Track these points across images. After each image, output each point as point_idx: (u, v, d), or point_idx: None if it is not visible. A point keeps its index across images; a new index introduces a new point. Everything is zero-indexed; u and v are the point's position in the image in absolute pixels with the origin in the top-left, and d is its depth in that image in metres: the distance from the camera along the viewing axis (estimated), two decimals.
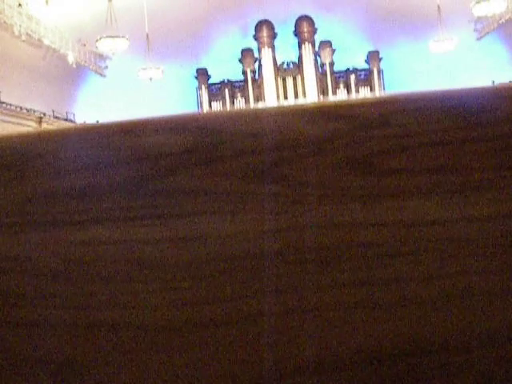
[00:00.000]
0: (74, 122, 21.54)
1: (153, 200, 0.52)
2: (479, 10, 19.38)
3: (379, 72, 29.46)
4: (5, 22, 17.39)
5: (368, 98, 0.51)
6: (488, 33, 23.37)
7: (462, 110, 0.50)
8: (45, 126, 16.90)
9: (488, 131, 0.50)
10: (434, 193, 0.52)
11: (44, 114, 19.02)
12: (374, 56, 29.27)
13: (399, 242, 0.53)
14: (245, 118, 0.52)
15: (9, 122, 15.49)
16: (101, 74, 24.07)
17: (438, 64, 25.05)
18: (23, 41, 18.55)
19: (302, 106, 0.51)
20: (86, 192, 0.53)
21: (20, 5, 17.66)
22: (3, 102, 17.74)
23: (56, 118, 20.45)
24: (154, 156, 0.51)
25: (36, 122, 16.69)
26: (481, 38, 24.04)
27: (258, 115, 0.52)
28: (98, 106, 24.62)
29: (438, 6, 20.61)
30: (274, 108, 0.53)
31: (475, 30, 23.75)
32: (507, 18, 20.73)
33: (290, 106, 0.52)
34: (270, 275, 0.52)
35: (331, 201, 0.52)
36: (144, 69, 21.56)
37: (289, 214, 0.52)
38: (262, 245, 0.53)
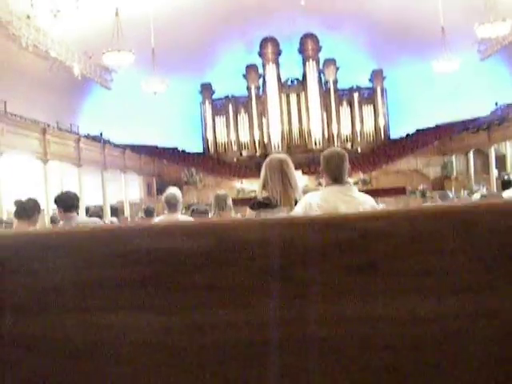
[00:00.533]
0: (77, 133, 21.62)
1: (172, 293, 0.57)
2: (483, 32, 19.53)
3: (382, 91, 29.63)
4: (13, 33, 17.56)
5: (368, 212, 0.56)
6: (491, 54, 23.52)
7: (451, 224, 0.55)
8: (48, 138, 16.95)
9: (474, 242, 0.56)
10: (427, 292, 0.57)
11: (48, 126, 19.11)
12: (377, 75, 29.46)
13: (395, 336, 0.58)
14: (257, 227, 0.57)
15: (14, 132, 15.57)
16: (106, 87, 24.23)
17: (441, 84, 25.16)
18: (30, 52, 18.70)
19: (310, 217, 0.56)
20: (114, 283, 0.58)
21: (28, 17, 17.82)
22: (8, 113, 17.87)
23: (60, 129, 20.55)
24: (178, 256, 0.57)
25: (40, 133, 16.75)
26: (484, 58, 24.18)
27: (269, 225, 0.57)
28: (102, 117, 24.75)
29: (442, 28, 20.77)
30: (283, 219, 0.58)
31: (479, 51, 23.90)
32: (510, 39, 20.87)
33: (298, 218, 0.57)
34: (274, 362, 0.57)
35: (333, 298, 0.57)
36: (148, 82, 21.69)
37: (293, 308, 0.58)
38: (267, 334, 0.58)
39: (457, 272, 0.56)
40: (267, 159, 3.89)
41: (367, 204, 3.51)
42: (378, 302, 0.57)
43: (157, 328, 0.58)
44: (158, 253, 0.57)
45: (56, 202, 5.07)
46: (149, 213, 8.70)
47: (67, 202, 4.84)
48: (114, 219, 12.05)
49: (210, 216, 5.78)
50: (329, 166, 3.50)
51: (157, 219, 5.62)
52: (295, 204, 3.57)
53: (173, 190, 5.44)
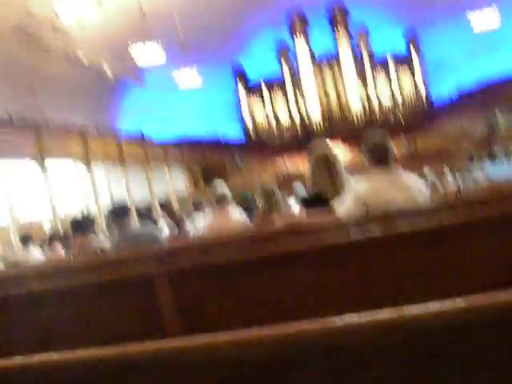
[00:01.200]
0: (118, 134, 21.77)
1: None
2: None
3: (419, 53, 28.70)
4: (44, 44, 17.74)
5: None
6: None
7: None
8: (90, 141, 17.19)
9: None
10: None
11: (88, 129, 19.31)
12: (411, 36, 28.51)
13: None
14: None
15: (54, 140, 15.82)
16: (140, 85, 24.29)
17: (480, 41, 24.16)
18: (63, 60, 18.89)
19: None
20: None
21: (57, 27, 17.94)
22: (48, 120, 18.11)
23: (100, 132, 20.74)
24: None
25: (81, 137, 16.99)
26: None
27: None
28: (140, 115, 24.89)
29: None
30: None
31: None
32: None
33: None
34: None
35: None
36: (181, 75, 21.65)
37: None
38: None
39: None
40: (314, 155, 3.73)
41: (416, 188, 3.29)
42: None
43: None
44: None
45: (110, 213, 5.08)
46: (197, 206, 8.69)
47: (119, 211, 4.86)
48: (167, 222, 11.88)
49: (259, 209, 5.58)
50: (373, 149, 3.30)
51: (207, 220, 5.45)
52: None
53: (219, 187, 5.31)
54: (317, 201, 3.51)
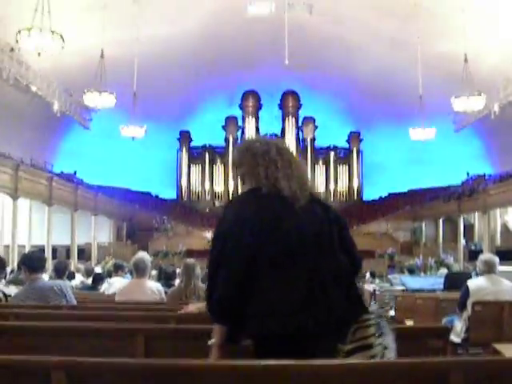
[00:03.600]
0: (51, 172, 21.34)
1: None
2: (459, 105, 20.02)
3: (358, 152, 30.12)
4: None
5: None
6: (465, 126, 24.13)
7: None
8: (20, 174, 16.67)
9: None
10: None
11: (22, 162, 18.83)
12: (354, 136, 30.00)
13: None
14: None
15: None
16: (84, 126, 24.10)
17: (416, 150, 25.60)
18: (10, 85, 18.56)
19: None
20: None
21: (12, 49, 17.74)
22: None
23: (33, 166, 20.26)
24: None
25: (13, 169, 16.45)
26: (459, 130, 24.78)
27: None
28: (77, 157, 24.53)
29: (420, 97, 21.27)
30: None
31: (454, 122, 24.49)
32: (484, 114, 21.45)
33: None
34: None
35: None
36: (127, 126, 21.62)
37: None
38: None
39: None
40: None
41: None
42: None
43: None
44: None
45: (23, 261, 4.91)
46: (117, 268, 8.31)
47: (34, 263, 4.70)
48: (81, 266, 11.71)
49: (177, 282, 5.72)
50: None
51: (124, 283, 5.50)
52: None
53: (141, 255, 5.39)
54: None
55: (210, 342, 2.11)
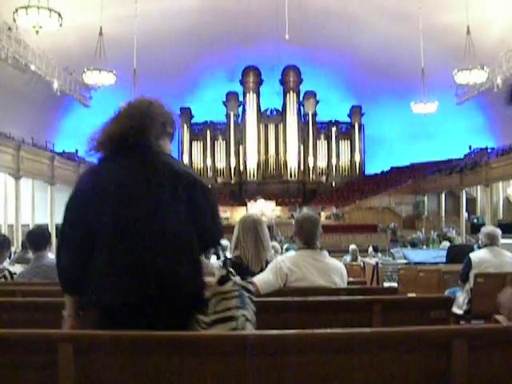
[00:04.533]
0: (52, 151, 21.34)
1: None
2: (461, 78, 19.91)
3: (360, 127, 29.98)
4: None
5: None
6: (468, 99, 23.95)
7: None
8: (22, 154, 16.68)
9: None
10: None
11: (23, 141, 18.80)
12: (356, 111, 29.84)
13: None
14: None
15: None
16: (84, 105, 23.98)
17: (418, 124, 25.50)
18: (9, 64, 18.44)
19: None
20: None
21: (10, 28, 17.60)
22: None
23: (35, 145, 20.24)
24: None
25: (14, 149, 16.44)
26: (461, 103, 24.62)
27: None
28: (79, 135, 24.40)
29: (422, 70, 21.12)
30: None
31: (456, 95, 24.32)
32: (487, 86, 21.29)
33: None
34: None
35: None
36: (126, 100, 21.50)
37: None
38: None
39: None
40: (241, 218, 3.89)
41: (337, 270, 3.51)
42: None
43: None
44: None
45: (27, 238, 4.91)
46: None
47: (38, 240, 4.70)
48: None
49: None
50: (302, 230, 3.53)
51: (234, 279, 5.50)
52: (266, 265, 3.55)
53: None
54: (238, 265, 3.60)
55: (64, 312, 2.17)
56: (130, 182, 2.09)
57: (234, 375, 1.66)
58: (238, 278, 2.19)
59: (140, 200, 2.07)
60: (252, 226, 3.71)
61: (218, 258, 2.39)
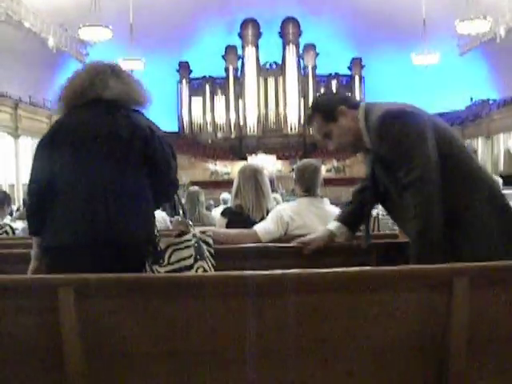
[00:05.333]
0: (50, 109, 21.14)
1: None
2: (463, 28, 19.58)
3: (361, 79, 29.63)
4: None
5: None
6: (470, 50, 23.61)
7: None
8: (20, 113, 16.56)
9: None
10: None
11: (20, 100, 18.63)
12: (356, 63, 29.42)
13: None
14: None
15: None
16: (81, 61, 23.65)
17: (419, 76, 25.20)
18: (3, 21, 18.13)
19: None
20: None
21: None
22: None
23: (32, 104, 20.07)
24: None
25: (12, 108, 16.31)
26: (463, 54, 24.27)
27: None
28: None
29: (424, 20, 20.77)
30: None
31: (458, 46, 23.97)
32: (490, 37, 20.97)
33: None
34: None
35: None
36: (125, 59, 21.21)
37: None
38: None
39: None
40: (241, 167, 3.86)
41: None
42: None
43: None
44: None
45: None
46: None
47: None
48: None
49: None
50: (302, 178, 3.50)
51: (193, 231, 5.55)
52: (267, 213, 3.54)
53: None
54: (238, 214, 3.60)
55: (31, 252, 2.28)
56: (88, 133, 2.16)
57: (234, 316, 1.66)
58: (197, 231, 2.25)
59: (96, 150, 2.14)
60: (252, 174, 3.69)
61: (176, 212, 2.42)
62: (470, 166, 2.23)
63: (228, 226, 3.58)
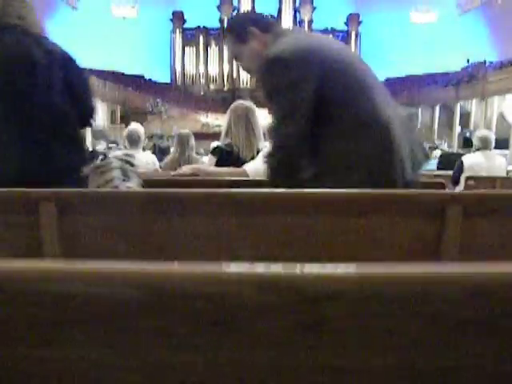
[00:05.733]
0: None
1: None
2: None
3: (357, 35, 29.25)
4: None
5: (318, 274, 0.51)
6: (470, 9, 23.29)
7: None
8: None
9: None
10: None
11: None
12: (353, 18, 28.99)
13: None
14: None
15: None
16: (72, 6, 23.11)
17: (417, 34, 24.89)
18: None
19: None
20: None
21: None
22: None
23: None
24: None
25: None
26: (462, 13, 23.94)
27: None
28: (66, 39, 23.62)
29: None
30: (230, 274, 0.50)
31: (458, 5, 23.64)
32: None
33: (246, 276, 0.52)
34: None
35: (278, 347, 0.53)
36: (118, 6, 20.76)
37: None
38: None
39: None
40: (232, 106, 3.78)
41: None
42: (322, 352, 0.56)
43: None
44: None
45: None
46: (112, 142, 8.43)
47: None
48: None
49: (171, 153, 5.71)
50: None
51: (114, 153, 5.49)
52: (257, 153, 3.49)
53: (135, 126, 5.37)
54: (229, 152, 3.55)
55: None
56: (10, 60, 2.17)
57: (222, 234, 1.62)
58: (118, 153, 2.30)
59: (19, 77, 2.16)
60: (244, 113, 3.63)
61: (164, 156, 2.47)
62: (358, 117, 2.04)
63: (218, 164, 3.53)
